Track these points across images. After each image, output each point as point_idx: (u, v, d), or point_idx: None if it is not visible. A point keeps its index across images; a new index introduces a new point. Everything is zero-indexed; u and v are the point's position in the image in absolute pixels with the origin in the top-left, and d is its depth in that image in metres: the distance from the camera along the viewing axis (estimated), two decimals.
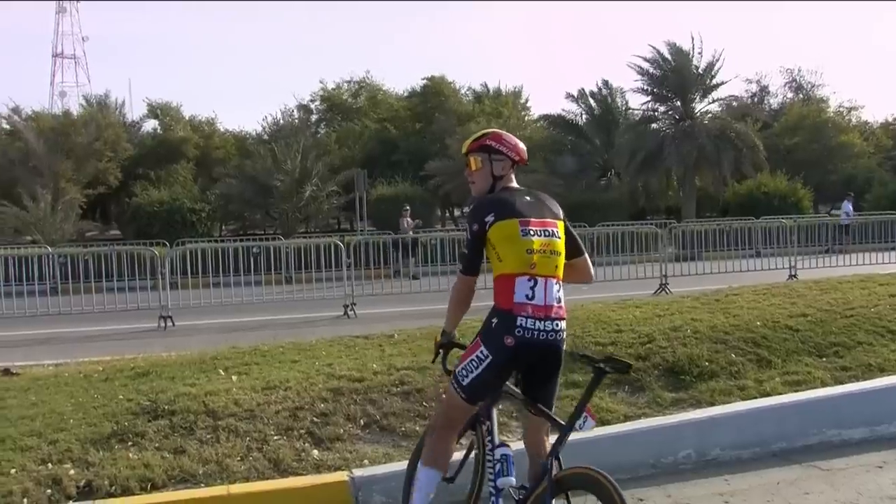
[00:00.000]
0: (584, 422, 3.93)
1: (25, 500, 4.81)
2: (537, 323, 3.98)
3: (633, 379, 6.89)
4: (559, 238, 4.20)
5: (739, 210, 32.80)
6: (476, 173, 4.39)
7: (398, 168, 37.89)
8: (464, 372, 4.13)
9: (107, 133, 38.45)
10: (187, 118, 46.29)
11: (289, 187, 34.03)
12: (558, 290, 4.11)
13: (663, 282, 17.49)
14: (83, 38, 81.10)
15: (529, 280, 4.02)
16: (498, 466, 4.14)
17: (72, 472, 5.28)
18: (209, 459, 5.49)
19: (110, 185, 38.26)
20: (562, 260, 4.18)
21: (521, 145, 4.42)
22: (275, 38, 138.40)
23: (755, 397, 6.65)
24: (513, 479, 4.11)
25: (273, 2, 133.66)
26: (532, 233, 4.09)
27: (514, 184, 4.39)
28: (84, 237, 33.40)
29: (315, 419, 6.10)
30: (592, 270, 4.47)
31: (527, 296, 4.00)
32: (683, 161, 35.75)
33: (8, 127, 38.89)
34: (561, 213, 4.32)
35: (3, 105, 43.95)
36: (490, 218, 4.10)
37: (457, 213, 42.60)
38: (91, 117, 39.62)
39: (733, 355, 7.34)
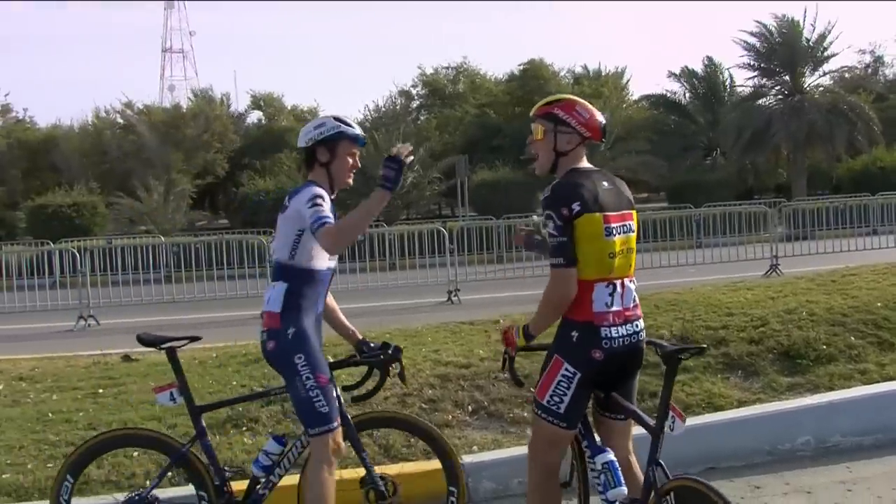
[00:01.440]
0: (672, 422, 3.53)
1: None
2: (620, 329, 3.67)
3: (746, 363, 6.71)
4: (634, 231, 3.81)
5: (853, 187, 31.39)
6: (538, 144, 3.91)
7: (499, 153, 37.68)
8: (555, 399, 3.70)
9: (214, 125, 39.62)
10: (290, 108, 47.30)
11: None
12: (634, 289, 3.78)
13: (774, 262, 16.95)
14: (190, 33, 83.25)
15: (608, 286, 3.67)
16: (603, 477, 3.69)
17: None
18: None
19: (218, 175, 39.42)
20: (635, 254, 3.82)
21: (599, 119, 3.83)
22: (372, 25, 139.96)
23: (877, 381, 6.39)
24: (624, 490, 3.67)
25: None
26: (614, 231, 3.66)
27: (585, 162, 3.85)
28: (194, 227, 34.51)
29: (423, 405, 6.15)
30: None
31: (606, 304, 3.65)
32: (793, 137, 34.61)
33: (122, 121, 40.49)
34: (633, 199, 3.90)
35: (116, 100, 45.72)
36: (577, 206, 3.60)
37: None
38: (200, 110, 40.91)
39: (853, 338, 7.05)
